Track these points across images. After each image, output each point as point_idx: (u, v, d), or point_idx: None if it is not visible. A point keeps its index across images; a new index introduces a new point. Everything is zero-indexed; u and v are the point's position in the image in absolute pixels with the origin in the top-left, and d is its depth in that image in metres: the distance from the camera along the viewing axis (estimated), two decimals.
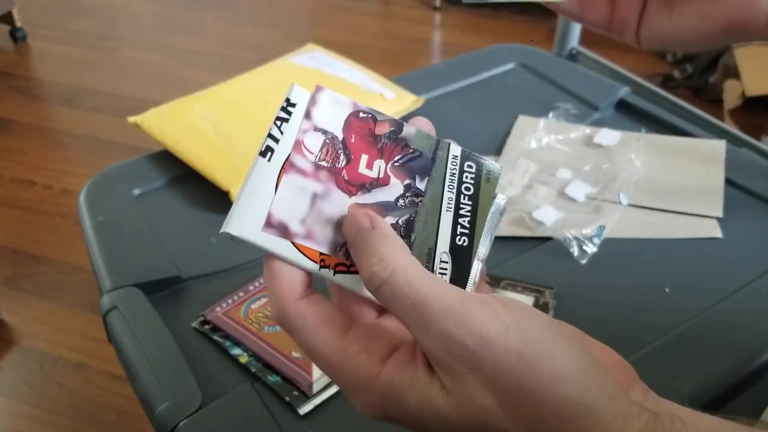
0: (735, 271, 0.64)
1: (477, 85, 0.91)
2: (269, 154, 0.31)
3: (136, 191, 0.75)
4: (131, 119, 0.81)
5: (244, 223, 0.30)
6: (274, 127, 0.31)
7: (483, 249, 0.34)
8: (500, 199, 0.34)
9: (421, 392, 0.29)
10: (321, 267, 0.31)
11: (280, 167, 0.31)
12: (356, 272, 0.31)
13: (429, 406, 0.29)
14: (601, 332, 0.58)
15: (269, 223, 0.30)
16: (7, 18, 2.44)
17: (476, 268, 0.34)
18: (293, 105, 0.32)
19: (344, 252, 0.31)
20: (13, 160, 1.96)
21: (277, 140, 0.31)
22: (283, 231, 0.30)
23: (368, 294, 0.31)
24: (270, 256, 0.31)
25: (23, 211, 1.79)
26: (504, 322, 0.28)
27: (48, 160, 1.96)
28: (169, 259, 0.65)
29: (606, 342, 0.58)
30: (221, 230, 0.30)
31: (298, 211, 0.31)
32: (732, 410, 0.57)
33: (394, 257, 0.29)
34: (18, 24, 2.47)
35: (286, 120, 0.31)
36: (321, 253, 0.31)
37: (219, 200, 0.72)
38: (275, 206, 0.30)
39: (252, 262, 0.66)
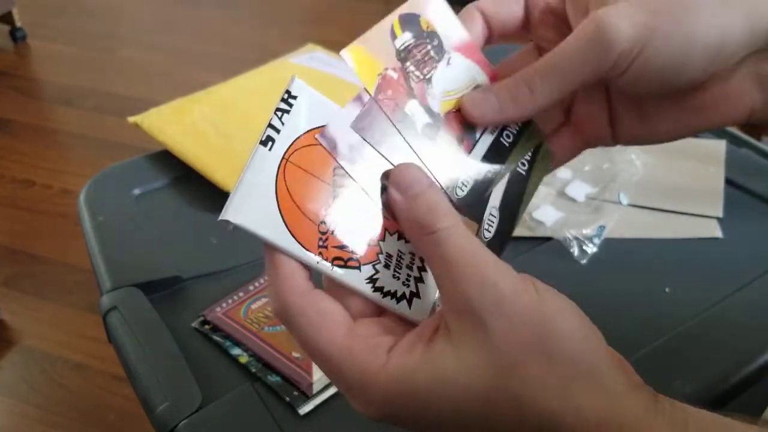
0: (735, 271, 0.64)
1: None
2: (270, 143, 0.30)
3: (136, 191, 0.75)
4: (131, 119, 0.81)
5: (242, 210, 0.30)
6: (275, 117, 0.31)
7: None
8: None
9: (432, 363, 0.29)
10: (319, 261, 0.31)
11: (280, 157, 0.30)
12: (354, 267, 0.31)
13: (439, 381, 0.28)
14: (600, 332, 0.58)
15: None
16: (7, 18, 2.45)
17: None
18: (294, 97, 0.31)
19: (339, 246, 0.31)
20: (13, 160, 1.96)
21: (278, 130, 0.31)
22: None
23: (366, 291, 0.31)
24: (271, 247, 0.30)
25: (23, 211, 1.79)
26: (531, 286, 0.30)
27: (48, 160, 1.96)
28: (169, 259, 0.65)
29: (606, 342, 0.58)
30: (219, 217, 0.30)
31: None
32: (732, 410, 0.57)
33: (457, 215, 0.31)
34: (18, 24, 2.47)
35: (287, 111, 0.31)
36: (319, 246, 0.31)
37: (219, 200, 0.72)
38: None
39: (252, 262, 0.66)
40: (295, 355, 0.56)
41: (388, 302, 0.32)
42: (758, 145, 0.80)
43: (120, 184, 0.75)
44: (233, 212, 0.29)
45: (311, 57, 0.92)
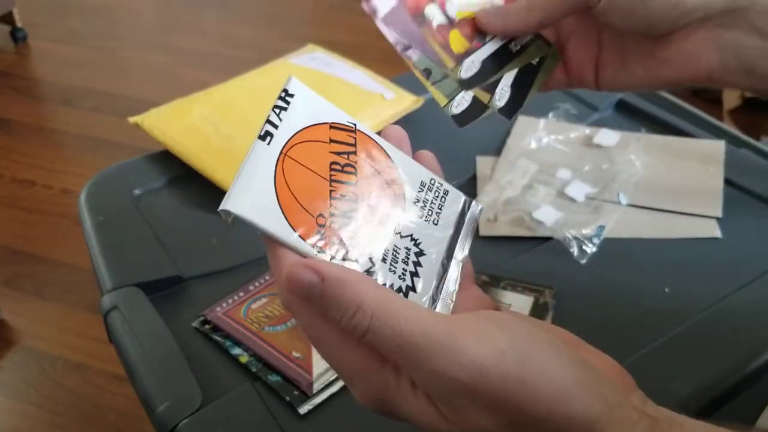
0: (735, 271, 0.64)
1: None
2: (268, 138, 0.31)
3: (137, 191, 0.75)
4: (131, 119, 0.81)
5: (242, 201, 0.30)
6: (273, 113, 0.32)
7: (462, 253, 0.35)
8: (475, 206, 0.37)
9: (417, 408, 0.29)
10: (318, 252, 0.31)
11: (279, 151, 0.31)
12: (352, 260, 0.32)
13: (427, 422, 0.29)
14: (600, 332, 0.58)
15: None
16: (8, 18, 2.45)
17: (457, 269, 0.35)
18: (291, 95, 0.33)
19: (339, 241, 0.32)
20: (13, 160, 1.96)
21: (275, 126, 0.32)
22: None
23: None
24: (272, 241, 0.31)
25: (23, 211, 1.79)
26: (498, 346, 0.27)
27: (48, 160, 1.96)
28: (170, 259, 0.65)
29: (605, 342, 0.58)
30: (219, 208, 0.30)
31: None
32: (732, 410, 0.57)
33: (368, 299, 0.28)
34: (18, 24, 2.47)
35: (284, 108, 0.32)
36: (317, 239, 0.31)
37: (219, 200, 0.72)
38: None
39: (252, 262, 0.66)
40: (295, 354, 0.56)
41: None
42: (757, 145, 0.80)
43: (120, 184, 0.75)
44: (233, 203, 0.30)
45: (311, 57, 0.92)
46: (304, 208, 0.31)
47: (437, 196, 0.36)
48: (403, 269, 0.33)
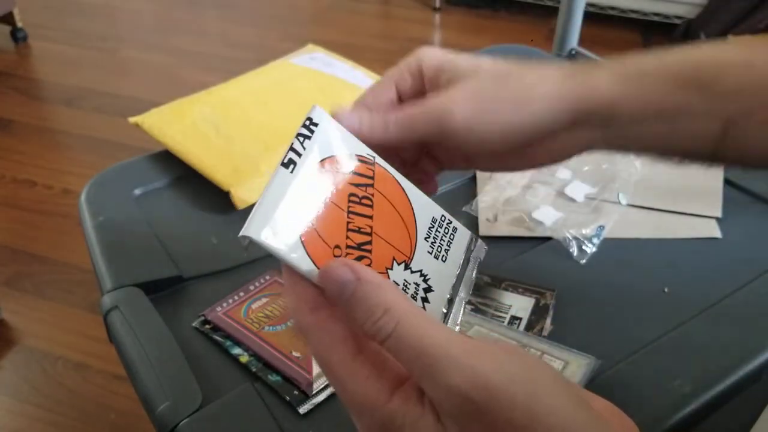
0: (734, 271, 0.64)
1: None
2: (292, 166, 0.31)
3: (137, 191, 0.75)
4: (132, 119, 0.81)
5: (264, 229, 0.30)
6: (297, 141, 0.32)
7: (465, 292, 0.36)
8: (480, 247, 0.38)
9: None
10: None
11: (302, 180, 0.31)
12: None
13: None
14: (600, 332, 0.59)
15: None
16: (8, 18, 2.45)
17: (461, 309, 0.35)
18: (315, 125, 0.32)
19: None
20: (13, 160, 1.96)
21: (299, 155, 0.32)
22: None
23: None
24: (287, 266, 0.31)
25: (24, 211, 1.79)
26: (510, 374, 0.27)
27: (48, 160, 1.96)
28: (170, 259, 0.65)
29: (605, 342, 0.58)
30: (240, 233, 0.30)
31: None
32: (732, 410, 0.57)
33: (397, 306, 0.29)
34: (19, 24, 2.47)
35: (308, 137, 0.32)
36: None
37: (219, 200, 0.72)
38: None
39: (252, 263, 0.66)
40: (295, 354, 0.56)
41: None
42: None
43: (120, 184, 0.75)
44: (255, 230, 0.30)
45: (311, 57, 0.92)
46: (322, 239, 0.31)
47: (446, 233, 0.36)
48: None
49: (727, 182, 0.74)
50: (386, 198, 0.34)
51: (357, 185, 0.33)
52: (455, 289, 0.36)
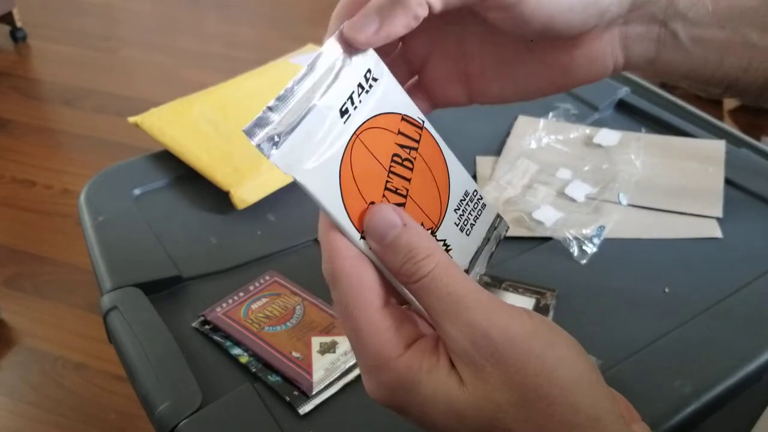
0: (735, 271, 0.64)
1: None
2: (346, 116, 0.31)
3: (137, 191, 0.75)
4: (131, 119, 0.81)
5: (304, 169, 0.29)
6: (355, 92, 0.31)
7: (482, 267, 0.37)
8: (503, 226, 0.37)
9: (437, 381, 0.29)
10: (361, 237, 0.31)
11: (353, 132, 0.31)
12: None
13: (443, 396, 0.29)
14: (600, 332, 0.58)
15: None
16: (8, 18, 2.45)
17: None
18: (375, 79, 0.32)
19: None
20: (13, 160, 1.96)
21: (355, 106, 0.31)
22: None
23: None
24: (328, 222, 0.31)
25: (23, 211, 1.79)
26: (527, 326, 0.29)
27: (48, 160, 1.96)
28: (170, 259, 0.65)
29: (606, 342, 0.58)
30: (271, 159, 0.29)
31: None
32: (732, 410, 0.57)
33: (437, 253, 0.30)
34: (18, 24, 2.47)
35: (367, 91, 0.32)
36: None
37: (219, 200, 0.72)
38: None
39: (252, 262, 0.66)
40: (295, 354, 0.56)
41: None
42: (758, 145, 0.80)
43: (120, 184, 0.75)
44: (295, 165, 0.29)
45: (311, 57, 0.92)
46: (360, 192, 0.31)
47: (475, 208, 0.36)
48: None
49: (728, 182, 0.74)
50: (427, 164, 0.34)
51: (402, 146, 0.33)
52: (472, 263, 0.36)
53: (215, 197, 0.73)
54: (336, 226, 0.31)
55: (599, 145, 0.79)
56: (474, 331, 0.28)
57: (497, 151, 0.79)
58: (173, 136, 0.78)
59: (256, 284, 0.63)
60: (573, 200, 0.72)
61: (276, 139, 0.29)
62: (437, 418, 0.29)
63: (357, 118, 0.31)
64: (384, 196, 0.32)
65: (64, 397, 1.34)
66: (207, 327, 0.59)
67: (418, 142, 0.33)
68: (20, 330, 1.48)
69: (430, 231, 0.34)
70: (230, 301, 0.61)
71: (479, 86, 0.38)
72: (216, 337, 0.58)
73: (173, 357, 0.55)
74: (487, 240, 0.37)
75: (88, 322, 1.47)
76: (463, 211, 0.35)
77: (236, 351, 0.57)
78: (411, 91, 0.36)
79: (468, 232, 0.36)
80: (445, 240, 0.34)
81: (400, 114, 0.33)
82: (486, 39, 0.36)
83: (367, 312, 0.30)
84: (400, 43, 0.37)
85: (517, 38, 0.35)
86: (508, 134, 0.82)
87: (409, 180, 0.33)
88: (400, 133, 0.33)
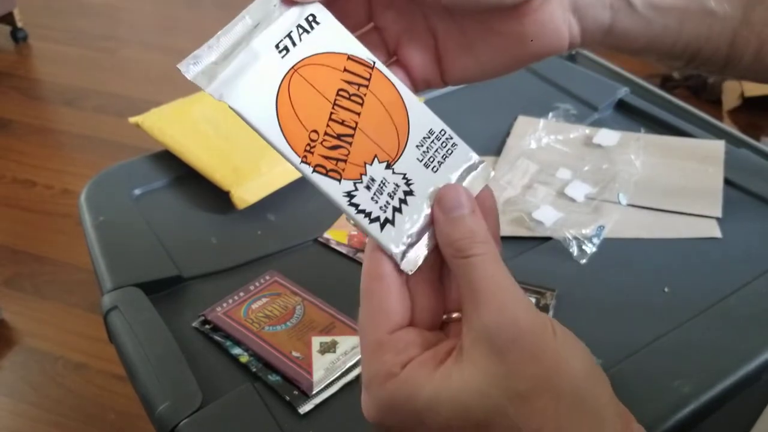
0: (735, 271, 0.64)
1: (477, 86, 0.91)
2: (284, 52, 0.33)
3: (137, 191, 0.75)
4: (132, 119, 0.81)
5: (238, 92, 0.32)
6: (295, 31, 0.33)
7: None
8: (485, 169, 0.36)
9: (439, 380, 0.30)
10: (302, 161, 0.32)
11: (290, 66, 0.33)
12: (334, 178, 0.33)
13: (447, 392, 0.29)
14: (600, 332, 0.59)
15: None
16: (8, 18, 2.45)
17: None
18: (317, 23, 0.33)
19: (329, 146, 0.33)
20: (13, 160, 1.96)
21: (294, 44, 0.33)
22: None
23: (342, 203, 0.33)
24: (375, 244, 0.33)
25: (24, 211, 1.79)
26: (548, 326, 0.30)
27: (49, 160, 1.96)
28: (170, 259, 0.65)
29: (606, 342, 0.58)
30: (207, 89, 0.33)
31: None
32: (732, 410, 0.57)
33: (492, 244, 0.32)
34: (19, 24, 2.47)
35: (308, 31, 0.33)
36: (305, 150, 0.32)
37: (219, 200, 0.72)
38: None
39: (252, 262, 0.66)
40: (295, 354, 0.56)
41: (361, 219, 0.33)
42: (757, 145, 0.81)
43: (120, 184, 0.75)
44: (228, 88, 0.32)
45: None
46: (300, 122, 0.32)
47: (443, 146, 0.36)
48: (387, 202, 0.34)
49: (727, 182, 0.74)
50: (379, 100, 0.34)
51: (349, 82, 0.34)
52: None
53: (215, 197, 0.73)
54: (380, 248, 0.33)
55: (599, 145, 0.79)
56: (503, 316, 0.29)
57: (497, 151, 0.79)
58: (173, 136, 0.78)
59: (256, 284, 0.63)
60: (573, 200, 0.72)
61: (211, 72, 0.32)
62: (441, 420, 0.29)
63: (296, 54, 0.33)
64: (328, 125, 0.33)
65: (64, 397, 1.34)
66: (207, 327, 0.59)
67: (368, 80, 0.34)
68: (20, 330, 1.48)
69: (385, 163, 0.34)
70: (230, 300, 0.61)
71: (447, 65, 0.38)
72: (216, 337, 0.58)
73: (173, 357, 0.55)
74: (461, 179, 0.36)
75: (88, 322, 1.47)
76: (428, 148, 0.35)
77: (236, 351, 0.57)
78: (393, 70, 0.37)
79: (435, 169, 0.35)
80: (405, 174, 0.34)
81: (346, 54, 0.34)
82: (445, 16, 0.37)
83: (375, 332, 0.31)
84: (372, 23, 0.38)
85: (471, 13, 0.36)
86: (508, 134, 0.82)
87: (358, 114, 0.34)
88: (346, 70, 0.34)
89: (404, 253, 0.33)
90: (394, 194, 0.34)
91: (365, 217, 0.33)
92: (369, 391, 0.31)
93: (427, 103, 0.86)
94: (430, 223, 0.34)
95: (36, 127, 2.11)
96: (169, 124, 0.80)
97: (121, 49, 2.50)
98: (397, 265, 0.33)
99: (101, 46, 2.50)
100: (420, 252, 0.34)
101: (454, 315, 0.34)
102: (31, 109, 2.19)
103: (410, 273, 0.33)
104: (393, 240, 0.33)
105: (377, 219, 0.33)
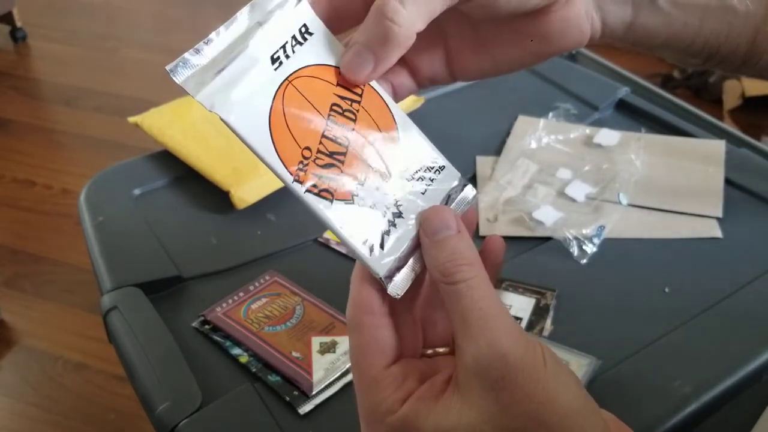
0: (735, 271, 0.64)
1: (477, 85, 0.91)
2: (278, 64, 0.31)
3: (137, 191, 0.75)
4: (131, 119, 0.81)
5: (231, 104, 0.30)
6: (289, 43, 0.32)
7: None
8: (470, 190, 0.36)
9: (434, 415, 0.30)
10: (294, 180, 0.31)
11: (284, 78, 0.31)
12: (326, 198, 0.32)
13: (444, 425, 0.29)
14: (600, 332, 0.58)
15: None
16: (8, 18, 2.45)
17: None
18: (310, 33, 0.33)
19: (321, 164, 0.32)
20: (13, 160, 1.96)
21: (288, 56, 0.32)
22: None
23: (334, 225, 0.32)
24: (361, 266, 0.32)
25: (23, 211, 1.79)
26: (539, 357, 0.30)
27: (48, 160, 1.96)
28: (170, 259, 0.65)
29: (606, 342, 0.58)
30: (197, 97, 0.30)
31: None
32: (732, 410, 0.57)
33: (480, 267, 0.31)
34: (18, 24, 2.47)
35: (300, 43, 0.32)
36: (298, 169, 0.31)
37: (219, 200, 0.72)
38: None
39: (252, 262, 0.66)
40: (295, 354, 0.56)
41: (352, 241, 0.32)
42: (758, 145, 0.80)
43: (120, 184, 0.75)
44: (220, 103, 0.30)
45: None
46: (293, 137, 0.31)
47: (431, 168, 0.35)
48: (376, 224, 0.33)
49: (728, 182, 0.74)
50: (372, 117, 0.34)
51: (342, 97, 0.33)
52: None
53: (215, 197, 0.73)
54: (370, 279, 0.32)
55: (599, 145, 0.79)
56: (493, 350, 0.29)
57: (497, 151, 0.79)
58: (173, 136, 0.78)
59: (256, 284, 0.63)
60: (573, 200, 0.72)
61: (200, 78, 0.30)
62: None
63: (289, 66, 0.32)
64: (321, 143, 0.32)
65: (64, 397, 1.34)
66: (207, 327, 0.59)
67: (360, 95, 0.33)
68: (20, 330, 1.48)
69: (377, 184, 0.33)
70: (230, 301, 0.61)
71: (459, 63, 0.37)
72: (216, 337, 0.58)
73: (173, 357, 0.55)
74: (448, 203, 0.35)
75: (88, 322, 1.47)
76: (416, 170, 0.35)
77: (236, 351, 0.57)
78: (394, 69, 0.36)
79: (423, 191, 0.35)
80: (394, 194, 0.34)
81: (339, 68, 0.33)
82: (463, 20, 0.36)
83: (370, 369, 0.31)
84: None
85: (494, 18, 0.35)
86: (508, 134, 0.82)
87: (351, 131, 0.33)
88: (339, 84, 0.33)
89: (392, 277, 0.32)
90: (384, 216, 0.33)
91: (355, 239, 0.32)
92: (368, 426, 0.31)
93: (428, 103, 0.86)
94: (417, 246, 0.33)
95: (35, 127, 2.11)
96: (169, 124, 0.80)
97: (121, 49, 2.49)
98: (385, 296, 0.32)
99: (101, 46, 2.50)
100: (407, 275, 0.33)
101: (441, 350, 0.34)
102: (31, 109, 2.19)
103: (397, 297, 0.32)
104: (381, 263, 0.32)
105: (366, 241, 0.32)
